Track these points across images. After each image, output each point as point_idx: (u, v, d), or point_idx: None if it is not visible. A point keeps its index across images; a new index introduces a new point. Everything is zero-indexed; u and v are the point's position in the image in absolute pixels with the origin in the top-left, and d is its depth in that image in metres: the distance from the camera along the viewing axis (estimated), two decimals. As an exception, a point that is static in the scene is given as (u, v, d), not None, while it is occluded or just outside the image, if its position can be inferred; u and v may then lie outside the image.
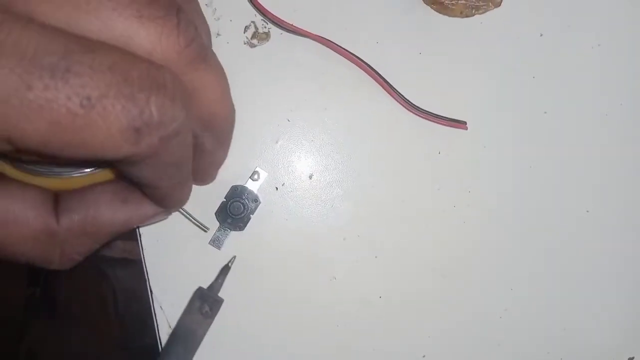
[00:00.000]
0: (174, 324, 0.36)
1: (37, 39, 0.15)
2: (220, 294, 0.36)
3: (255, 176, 0.36)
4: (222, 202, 0.36)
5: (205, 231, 0.36)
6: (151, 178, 0.20)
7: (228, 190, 0.36)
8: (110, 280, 0.79)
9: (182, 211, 0.35)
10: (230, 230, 0.36)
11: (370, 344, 0.37)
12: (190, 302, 0.36)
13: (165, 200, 0.24)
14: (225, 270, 0.36)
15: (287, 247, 0.37)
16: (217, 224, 0.36)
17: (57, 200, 0.23)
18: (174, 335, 0.35)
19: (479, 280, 0.38)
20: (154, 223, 0.30)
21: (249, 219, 0.36)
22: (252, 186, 0.36)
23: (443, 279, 0.38)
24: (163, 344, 0.37)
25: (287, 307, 0.37)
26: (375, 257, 0.37)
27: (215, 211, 0.36)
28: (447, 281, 0.38)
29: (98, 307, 0.80)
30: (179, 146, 0.18)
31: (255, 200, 0.36)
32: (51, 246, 0.22)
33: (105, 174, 0.25)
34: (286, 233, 0.37)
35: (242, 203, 0.36)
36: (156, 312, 0.37)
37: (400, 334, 0.37)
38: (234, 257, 0.36)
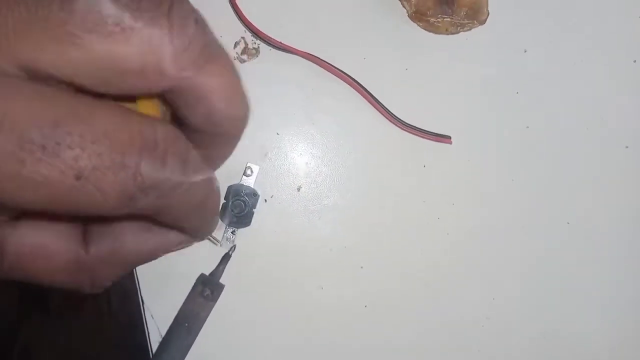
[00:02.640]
0: (164, 331, 0.37)
1: (26, 108, 0.15)
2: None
3: (248, 171, 0.37)
4: (223, 204, 0.37)
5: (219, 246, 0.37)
6: (174, 223, 0.21)
7: (225, 191, 0.37)
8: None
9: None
10: (237, 228, 0.37)
11: (356, 352, 0.38)
12: (193, 287, 0.37)
13: (194, 234, 0.25)
14: (226, 257, 0.37)
15: (275, 258, 0.38)
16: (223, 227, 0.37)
17: (85, 230, 0.23)
18: (177, 318, 0.37)
19: (461, 290, 0.39)
20: (177, 250, 0.30)
21: (253, 213, 0.37)
22: (247, 182, 0.37)
23: (427, 289, 0.39)
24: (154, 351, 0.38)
25: (275, 317, 0.38)
26: (361, 267, 0.38)
27: (218, 214, 0.37)
28: (431, 291, 0.39)
29: (91, 306, 0.81)
30: (187, 194, 0.18)
31: (254, 194, 0.37)
32: (81, 274, 0.23)
33: None
34: (275, 244, 0.38)
35: (242, 200, 0.37)
36: (147, 321, 0.38)
37: (384, 343, 0.39)
38: (234, 245, 0.37)
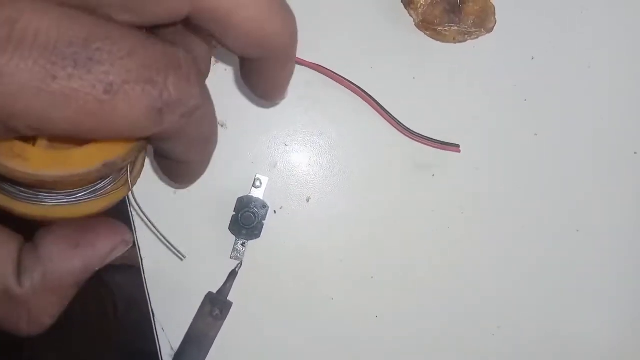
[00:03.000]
0: (176, 346, 0.37)
1: (57, 27, 0.16)
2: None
3: (258, 183, 0.37)
4: (233, 216, 0.37)
5: (181, 260, 0.35)
6: (182, 153, 0.22)
7: (235, 203, 0.37)
8: (109, 287, 0.80)
9: (160, 238, 0.34)
10: (247, 240, 0.37)
11: (367, 363, 0.38)
12: (201, 306, 0.37)
13: (191, 176, 0.26)
14: (232, 275, 0.37)
15: (285, 269, 0.38)
16: (234, 238, 0.37)
17: (18, 263, 0.22)
18: (187, 338, 0.37)
19: (472, 299, 0.39)
20: (116, 257, 0.29)
21: (262, 225, 0.37)
22: (256, 194, 0.37)
23: (437, 299, 0.39)
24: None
25: (286, 329, 0.38)
26: (372, 277, 0.38)
27: (228, 226, 0.37)
28: (441, 300, 0.39)
29: (98, 313, 0.81)
30: (202, 120, 0.19)
31: (264, 206, 0.37)
32: (16, 309, 0.21)
33: (91, 206, 0.25)
34: (284, 255, 0.38)
35: (252, 212, 0.37)
36: (158, 333, 0.38)
37: (396, 353, 0.39)
38: (241, 262, 0.37)
